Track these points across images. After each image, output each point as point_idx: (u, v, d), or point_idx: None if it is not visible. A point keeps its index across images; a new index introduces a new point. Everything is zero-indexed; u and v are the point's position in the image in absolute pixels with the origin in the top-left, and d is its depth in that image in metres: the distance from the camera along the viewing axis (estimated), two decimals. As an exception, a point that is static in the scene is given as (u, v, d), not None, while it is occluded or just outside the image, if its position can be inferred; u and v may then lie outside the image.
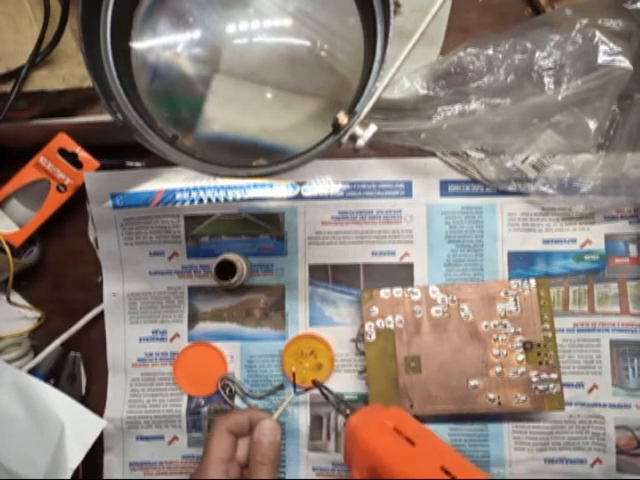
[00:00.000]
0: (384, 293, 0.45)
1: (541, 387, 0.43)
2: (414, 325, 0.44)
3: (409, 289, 0.44)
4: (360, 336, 0.46)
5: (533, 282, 0.44)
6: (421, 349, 0.44)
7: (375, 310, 0.45)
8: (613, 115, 0.43)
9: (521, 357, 0.43)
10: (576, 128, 0.42)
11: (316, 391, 0.46)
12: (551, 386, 0.43)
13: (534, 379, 0.43)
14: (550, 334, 0.43)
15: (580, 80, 0.41)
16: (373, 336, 0.44)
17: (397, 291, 0.45)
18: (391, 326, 0.44)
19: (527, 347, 0.43)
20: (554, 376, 0.43)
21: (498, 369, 0.43)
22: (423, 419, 0.46)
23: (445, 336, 0.44)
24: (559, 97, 0.41)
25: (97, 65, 0.30)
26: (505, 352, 0.43)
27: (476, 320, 0.44)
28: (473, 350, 0.44)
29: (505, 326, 0.44)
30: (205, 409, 0.47)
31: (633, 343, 0.45)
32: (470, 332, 0.44)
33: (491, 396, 0.43)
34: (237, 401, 0.47)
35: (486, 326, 0.44)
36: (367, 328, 0.44)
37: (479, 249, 0.47)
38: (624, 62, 0.40)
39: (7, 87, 0.39)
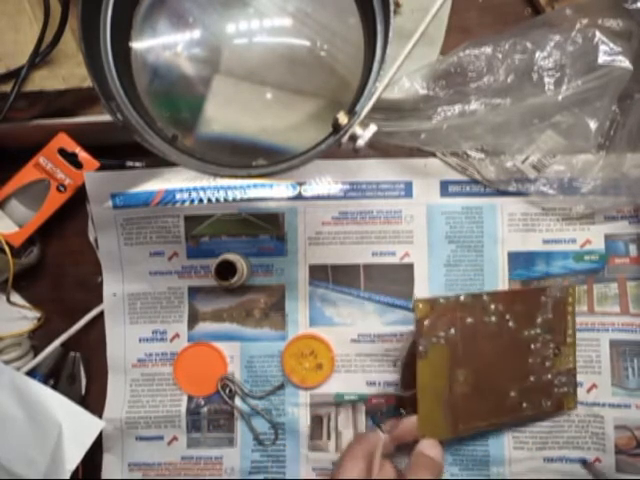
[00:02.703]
0: (438, 302, 0.40)
1: (561, 390, 0.43)
2: (467, 337, 0.41)
3: (461, 297, 0.41)
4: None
5: (564, 287, 0.43)
6: (472, 363, 0.41)
7: (430, 324, 0.40)
8: (613, 115, 0.43)
9: (550, 363, 0.43)
10: (576, 128, 0.42)
11: (316, 391, 0.47)
12: (568, 387, 0.43)
13: (556, 382, 0.43)
14: (572, 338, 0.43)
15: (580, 80, 0.41)
16: (427, 352, 0.40)
17: (447, 299, 0.40)
18: (442, 341, 0.40)
19: (556, 353, 0.43)
20: (572, 378, 0.43)
21: (532, 377, 0.43)
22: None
23: (492, 347, 0.42)
24: (559, 97, 0.41)
25: (97, 65, 0.30)
26: (539, 359, 0.43)
27: (519, 328, 0.42)
28: (515, 360, 0.42)
29: (541, 333, 0.43)
30: (205, 409, 0.47)
31: (633, 343, 0.45)
32: (514, 341, 0.42)
33: (525, 404, 0.43)
34: (237, 401, 0.47)
35: (527, 334, 0.43)
36: (422, 344, 0.40)
37: (479, 249, 0.47)
38: (624, 62, 0.40)
39: (7, 87, 0.39)
